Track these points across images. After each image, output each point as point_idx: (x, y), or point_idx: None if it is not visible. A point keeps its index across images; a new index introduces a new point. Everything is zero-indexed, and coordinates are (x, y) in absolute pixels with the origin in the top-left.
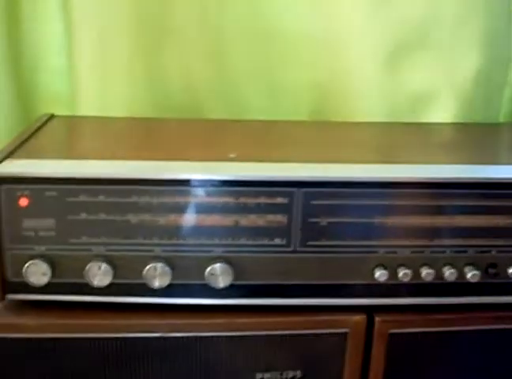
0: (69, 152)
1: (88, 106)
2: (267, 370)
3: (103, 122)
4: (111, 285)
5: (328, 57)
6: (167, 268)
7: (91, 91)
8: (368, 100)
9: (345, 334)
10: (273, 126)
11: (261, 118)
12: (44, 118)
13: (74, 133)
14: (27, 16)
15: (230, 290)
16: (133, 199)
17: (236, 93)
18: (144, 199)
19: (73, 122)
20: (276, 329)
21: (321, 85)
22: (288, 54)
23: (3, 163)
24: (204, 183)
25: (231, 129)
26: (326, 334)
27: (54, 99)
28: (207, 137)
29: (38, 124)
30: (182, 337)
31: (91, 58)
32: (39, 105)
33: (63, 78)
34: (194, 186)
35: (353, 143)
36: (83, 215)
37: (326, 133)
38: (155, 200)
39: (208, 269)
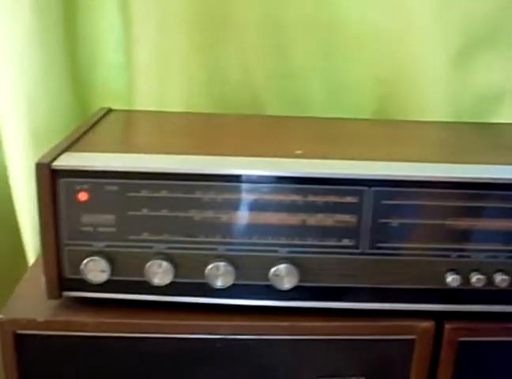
0: (128, 146)
1: (145, 101)
2: (330, 376)
3: (160, 117)
4: (171, 284)
5: (393, 53)
6: (230, 268)
7: (149, 86)
8: (434, 99)
9: (412, 341)
10: (335, 123)
11: (322, 115)
12: (101, 113)
13: (132, 128)
14: (84, 10)
15: (294, 292)
16: (197, 195)
17: (297, 89)
18: (208, 195)
19: (131, 117)
20: (341, 334)
21: (386, 82)
22: (351, 50)
23: (61, 157)
24: (271, 180)
25: (292, 125)
26: (392, 340)
27: (110, 94)
28: (268, 133)
29: (95, 118)
30: (244, 339)
31: (149, 53)
32: (96, 100)
33: (120, 73)
34: (261, 183)
35: (420, 142)
36: (144, 211)
37: (391, 131)
38: (219, 197)
39: (273, 270)
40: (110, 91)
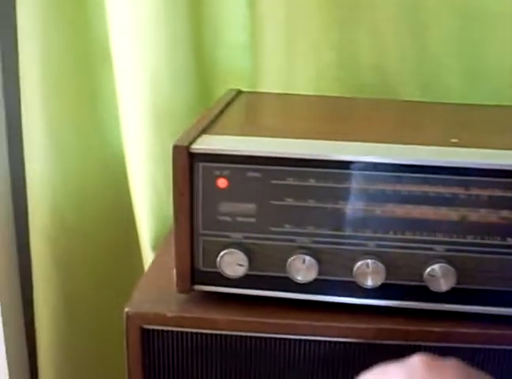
0: (267, 130)
1: (270, 83)
2: None
3: (290, 99)
4: (314, 281)
5: None
6: (380, 266)
7: (275, 67)
8: None
9: None
10: (473, 109)
11: (457, 101)
12: (232, 94)
13: (264, 110)
14: None
15: (450, 295)
16: (347, 185)
17: (431, 74)
18: (360, 185)
19: (262, 99)
20: (499, 343)
21: None
22: (489, 34)
23: (199, 139)
24: (430, 170)
25: (427, 111)
26: None
27: (234, 75)
28: (410, 119)
29: (226, 100)
30: (390, 345)
31: (276, 33)
32: (219, 81)
33: (245, 53)
34: (419, 173)
35: None
36: (288, 201)
37: None
38: (372, 187)
39: (428, 270)
40: (234, 72)
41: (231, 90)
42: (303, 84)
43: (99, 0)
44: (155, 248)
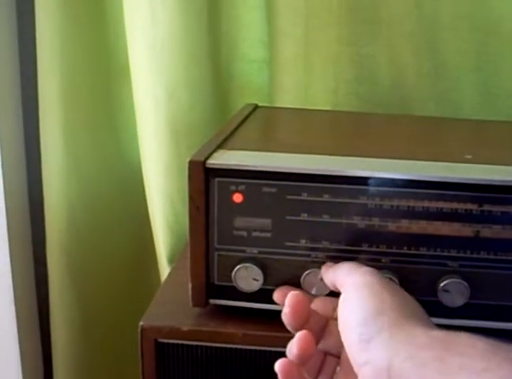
0: (281, 145)
1: (288, 98)
2: None
3: (308, 115)
4: (329, 296)
5: None
6: (395, 281)
7: (292, 83)
8: None
9: None
10: (490, 126)
11: (474, 117)
12: (249, 109)
13: (282, 125)
14: (228, 5)
15: (464, 310)
16: (362, 200)
17: (448, 89)
18: (374, 201)
19: (279, 114)
20: None
21: None
22: (506, 50)
23: (215, 154)
24: (444, 186)
25: (444, 127)
26: None
27: (251, 90)
28: (426, 135)
29: (243, 114)
30: None
31: (295, 48)
32: (236, 95)
33: (262, 68)
34: (432, 189)
35: None
36: (303, 216)
37: None
38: (386, 203)
39: (441, 285)
40: (251, 87)
41: (248, 105)
42: (321, 100)
43: (119, 16)
44: (171, 261)
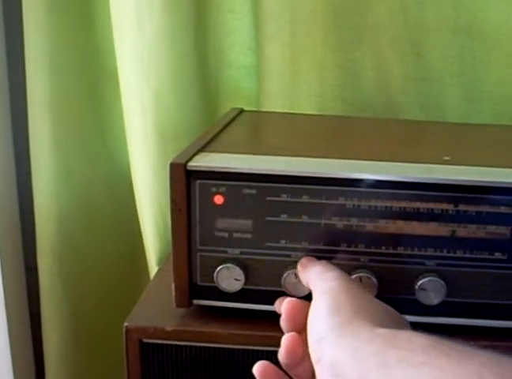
0: (263, 148)
1: (275, 103)
2: None
3: (293, 119)
4: (309, 295)
5: None
6: (373, 280)
7: (279, 88)
8: None
9: None
10: (473, 129)
11: (459, 120)
12: (234, 113)
13: (266, 129)
14: (215, 11)
15: (441, 308)
16: (340, 201)
17: (433, 93)
18: (352, 202)
19: (263, 118)
20: None
21: None
22: (491, 53)
23: (197, 157)
24: (421, 187)
25: (428, 130)
26: None
27: (238, 95)
28: (406, 138)
29: (228, 118)
30: None
31: (281, 53)
32: (223, 100)
33: (250, 74)
34: (409, 189)
35: None
36: (283, 217)
37: None
38: (363, 204)
39: (419, 283)
40: (238, 92)
41: (234, 109)
42: (307, 104)
43: (107, 23)
44: (160, 263)
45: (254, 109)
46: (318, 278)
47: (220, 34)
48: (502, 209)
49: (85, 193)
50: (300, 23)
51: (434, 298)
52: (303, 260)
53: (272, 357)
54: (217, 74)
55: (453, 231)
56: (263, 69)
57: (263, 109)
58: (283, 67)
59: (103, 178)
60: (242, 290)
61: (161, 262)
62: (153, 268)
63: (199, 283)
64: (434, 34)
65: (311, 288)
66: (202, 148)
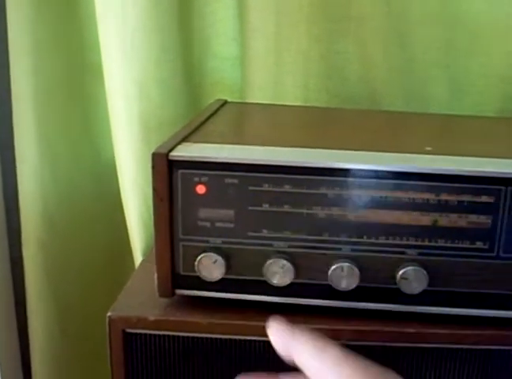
0: (246, 138)
1: (259, 94)
2: None
3: (277, 110)
4: (291, 285)
5: None
6: (355, 270)
7: (264, 79)
8: None
9: None
10: (457, 120)
11: (442, 112)
12: (218, 104)
13: (249, 120)
14: (200, 1)
15: (422, 297)
16: (322, 190)
17: (417, 85)
18: (334, 191)
19: (247, 109)
20: (469, 343)
21: None
22: (475, 46)
23: (179, 147)
24: (402, 176)
25: (412, 121)
26: None
27: (223, 86)
28: (389, 129)
29: (212, 109)
30: (366, 346)
31: (266, 45)
32: (208, 91)
33: (234, 65)
34: (391, 179)
35: None
36: (265, 207)
37: None
38: (345, 193)
39: (400, 273)
40: (223, 83)
41: (218, 100)
42: (292, 96)
43: (91, 13)
44: (145, 254)
45: (239, 100)
46: (311, 357)
47: (205, 25)
48: (484, 199)
49: (70, 183)
50: (285, 14)
51: (415, 287)
52: (274, 325)
53: (255, 346)
54: (201, 65)
55: (435, 221)
56: (247, 61)
57: (247, 100)
58: (267, 58)
59: (88, 168)
60: (225, 279)
61: (146, 251)
62: (138, 258)
63: (182, 273)
64: (419, 26)
65: (300, 364)
66: (185, 138)
